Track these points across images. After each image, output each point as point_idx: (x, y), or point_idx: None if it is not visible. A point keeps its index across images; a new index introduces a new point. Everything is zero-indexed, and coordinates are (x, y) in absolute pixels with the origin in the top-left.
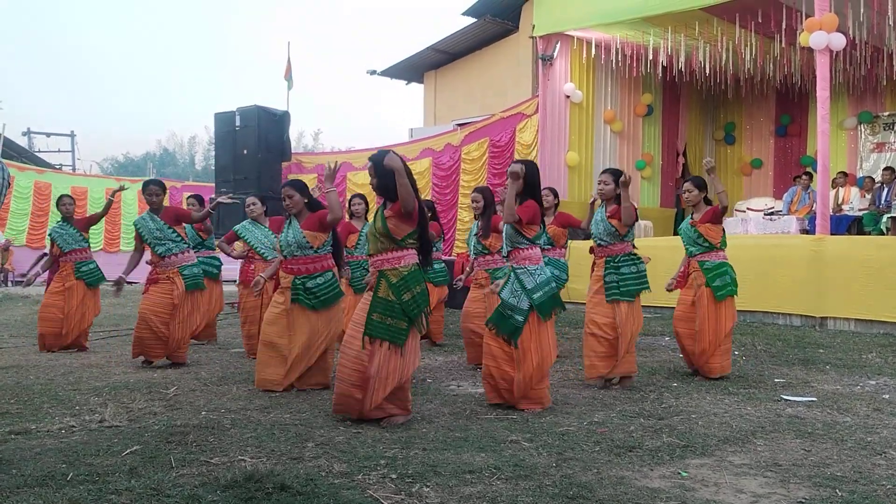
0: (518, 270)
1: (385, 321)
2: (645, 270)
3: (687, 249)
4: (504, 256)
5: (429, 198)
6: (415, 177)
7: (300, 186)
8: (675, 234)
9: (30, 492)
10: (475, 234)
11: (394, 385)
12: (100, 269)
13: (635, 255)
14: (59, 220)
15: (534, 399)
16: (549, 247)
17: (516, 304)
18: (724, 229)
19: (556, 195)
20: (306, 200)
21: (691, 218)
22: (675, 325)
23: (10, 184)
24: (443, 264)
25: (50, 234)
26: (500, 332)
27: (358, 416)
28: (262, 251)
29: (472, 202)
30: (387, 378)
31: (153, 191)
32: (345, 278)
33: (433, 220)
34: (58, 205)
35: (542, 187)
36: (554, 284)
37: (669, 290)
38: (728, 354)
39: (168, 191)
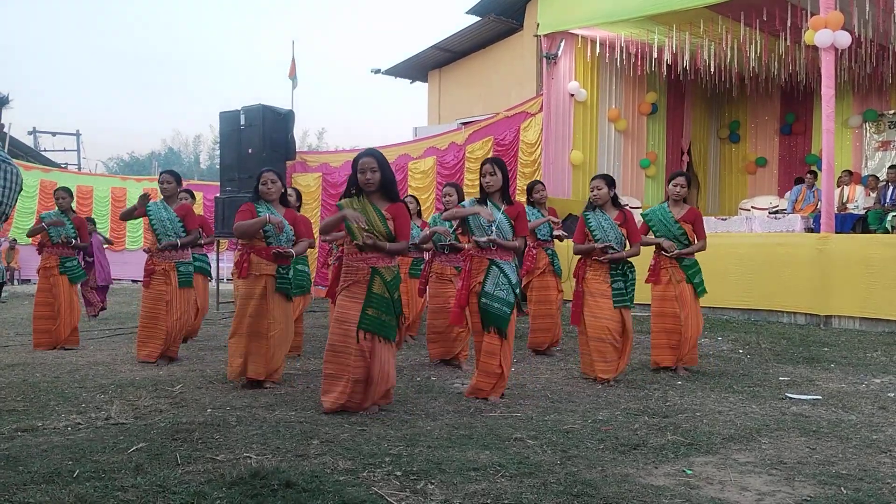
0: (504, 266)
1: (380, 317)
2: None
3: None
4: (480, 247)
5: (432, 197)
6: (419, 175)
7: (283, 175)
8: None
9: (37, 488)
10: (454, 231)
11: (392, 381)
12: (80, 266)
13: (629, 260)
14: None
15: (503, 386)
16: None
17: (504, 297)
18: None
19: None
20: (282, 191)
21: (669, 212)
22: (655, 322)
23: (21, 187)
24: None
25: (43, 218)
26: (493, 327)
27: (356, 409)
28: None
29: (445, 196)
30: (388, 373)
31: (164, 179)
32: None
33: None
34: (54, 196)
35: (538, 181)
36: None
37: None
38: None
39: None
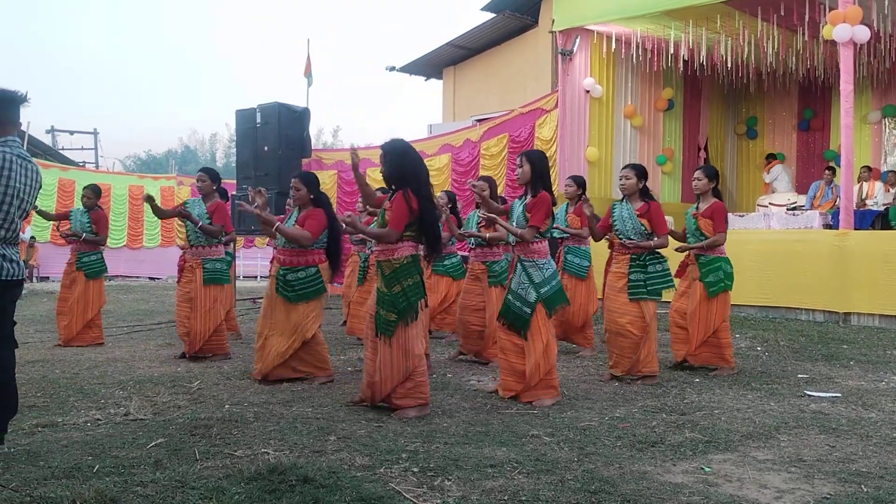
0: (526, 263)
1: (379, 312)
2: (668, 268)
3: (687, 238)
4: (511, 245)
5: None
6: (434, 173)
7: (308, 180)
8: None
9: (57, 483)
10: (478, 225)
11: (398, 379)
12: (102, 262)
13: (660, 252)
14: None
15: (545, 386)
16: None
17: (524, 297)
18: (725, 226)
19: (579, 185)
20: (312, 196)
21: (696, 208)
22: (670, 315)
23: (40, 185)
24: (458, 258)
25: (71, 213)
26: (512, 325)
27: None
28: None
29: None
30: (390, 371)
31: (199, 177)
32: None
33: (451, 213)
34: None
35: (567, 177)
36: (559, 279)
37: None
38: (723, 349)
39: (219, 181)
